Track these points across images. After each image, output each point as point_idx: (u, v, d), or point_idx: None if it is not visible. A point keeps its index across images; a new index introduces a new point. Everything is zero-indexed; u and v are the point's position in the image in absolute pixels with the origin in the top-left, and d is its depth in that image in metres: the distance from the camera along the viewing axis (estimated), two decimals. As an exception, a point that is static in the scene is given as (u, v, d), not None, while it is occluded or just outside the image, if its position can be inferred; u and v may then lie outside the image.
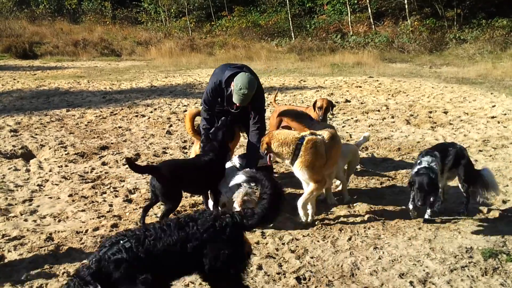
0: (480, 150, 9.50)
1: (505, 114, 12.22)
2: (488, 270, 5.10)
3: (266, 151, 6.38)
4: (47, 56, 30.33)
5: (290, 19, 33.32)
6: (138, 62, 28.26)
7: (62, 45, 32.23)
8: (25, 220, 6.59)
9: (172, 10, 39.74)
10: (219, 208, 6.45)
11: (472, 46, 26.18)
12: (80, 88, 18.11)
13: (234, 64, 7.18)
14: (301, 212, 6.35)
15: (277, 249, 5.67)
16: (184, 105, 14.63)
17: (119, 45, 33.61)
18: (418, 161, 6.38)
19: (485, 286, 4.84)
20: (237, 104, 6.66)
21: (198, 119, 7.42)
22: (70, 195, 7.48)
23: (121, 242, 3.74)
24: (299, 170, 6.22)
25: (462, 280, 4.95)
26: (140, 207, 6.87)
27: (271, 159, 6.66)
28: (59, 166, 8.99)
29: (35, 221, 6.49)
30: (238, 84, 6.46)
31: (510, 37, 26.33)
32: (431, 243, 5.73)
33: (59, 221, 6.60)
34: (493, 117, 12.03)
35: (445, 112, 12.85)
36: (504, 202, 7.05)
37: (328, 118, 9.28)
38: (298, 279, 4.97)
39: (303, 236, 6.02)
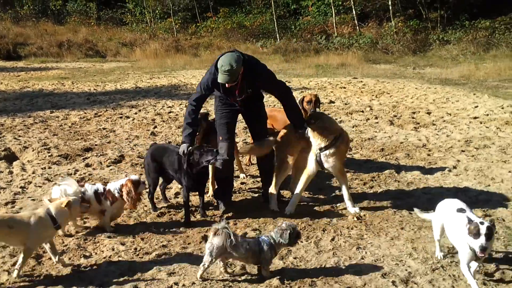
0: (463, 151, 9.58)
1: (487, 115, 12.35)
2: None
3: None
4: (31, 58, 30.14)
5: (275, 20, 33.40)
6: (123, 63, 28.16)
7: (46, 46, 32.00)
8: (8, 222, 6.54)
9: (157, 11, 39.70)
10: None
11: (455, 47, 26.43)
12: (64, 90, 18.03)
13: None
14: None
15: (260, 250, 5.67)
16: (169, 106, 14.62)
17: (103, 46, 33.47)
18: None
19: (466, 285, 4.86)
20: (224, 83, 6.40)
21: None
22: (54, 197, 7.44)
23: None
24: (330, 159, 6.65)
25: (444, 279, 4.99)
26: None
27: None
28: (42, 168, 8.94)
29: (17, 223, 6.43)
30: (220, 64, 6.26)
31: (493, 38, 26.60)
32: (413, 243, 5.77)
33: (42, 223, 6.55)
34: (475, 118, 12.14)
35: (428, 113, 12.95)
36: (486, 201, 7.11)
37: None
38: (281, 279, 4.97)
39: (287, 237, 6.03)
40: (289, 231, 5.02)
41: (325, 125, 6.62)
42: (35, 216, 5.07)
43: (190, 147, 6.52)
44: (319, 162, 6.72)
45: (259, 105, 7.17)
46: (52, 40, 33.13)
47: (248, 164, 9.21)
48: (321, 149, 6.62)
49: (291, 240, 5.05)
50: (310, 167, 6.85)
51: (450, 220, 5.08)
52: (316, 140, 6.64)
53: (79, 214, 5.89)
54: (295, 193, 6.99)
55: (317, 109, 8.38)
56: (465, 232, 4.69)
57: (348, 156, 9.55)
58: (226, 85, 6.44)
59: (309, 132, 6.67)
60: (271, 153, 7.30)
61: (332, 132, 6.59)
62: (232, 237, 4.84)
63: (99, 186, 6.36)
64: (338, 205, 7.09)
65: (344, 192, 6.87)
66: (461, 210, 5.02)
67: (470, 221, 4.70)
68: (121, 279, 5.04)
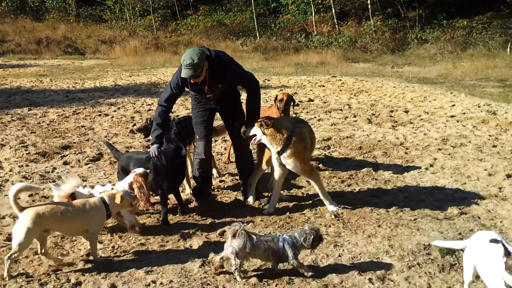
0: (440, 149, 9.68)
1: (464, 113, 12.49)
2: (445, 267, 5.18)
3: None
4: (9, 55, 29.86)
5: (255, 18, 33.43)
6: (102, 61, 27.99)
7: (24, 43, 31.71)
8: (-16, 220, 6.50)
9: (137, 8, 39.46)
10: None
11: (433, 46, 26.71)
12: (42, 87, 17.89)
13: None
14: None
15: (238, 248, 5.69)
16: (148, 104, 14.56)
17: (83, 43, 33.27)
18: None
19: (442, 282, 4.93)
20: (188, 78, 6.43)
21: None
22: (31, 195, 7.39)
23: None
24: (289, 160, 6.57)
25: (419, 276, 5.04)
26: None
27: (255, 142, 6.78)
28: (19, 166, 8.87)
29: (-6, 221, 6.41)
30: (182, 59, 6.30)
31: (470, 37, 26.90)
32: (390, 241, 5.81)
33: (19, 221, 6.50)
34: (452, 116, 12.27)
35: (406, 111, 13.05)
36: (462, 199, 7.19)
37: (293, 113, 9.32)
38: (259, 277, 4.99)
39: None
40: (312, 236, 5.02)
41: (275, 128, 6.52)
42: (90, 203, 5.30)
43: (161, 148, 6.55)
44: (283, 165, 6.75)
45: (236, 102, 7.19)
46: (31, 37, 32.82)
47: (226, 162, 9.22)
48: (279, 153, 6.60)
49: (314, 244, 5.07)
50: (276, 170, 6.87)
51: (483, 253, 4.25)
52: (271, 145, 6.61)
53: (129, 205, 5.72)
54: (272, 194, 7.02)
55: (291, 108, 8.41)
56: (501, 267, 3.87)
57: (327, 154, 9.62)
58: (192, 80, 6.47)
59: (264, 139, 6.63)
60: (249, 152, 7.33)
61: (283, 132, 6.50)
62: (253, 238, 4.89)
63: (107, 188, 6.23)
64: (316, 203, 7.12)
65: (318, 191, 6.87)
66: (495, 241, 4.17)
67: (508, 253, 3.82)
68: (99, 277, 5.03)
